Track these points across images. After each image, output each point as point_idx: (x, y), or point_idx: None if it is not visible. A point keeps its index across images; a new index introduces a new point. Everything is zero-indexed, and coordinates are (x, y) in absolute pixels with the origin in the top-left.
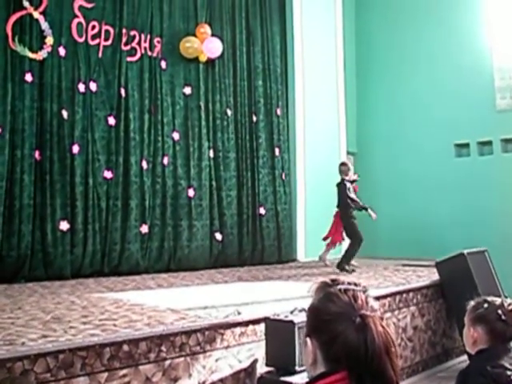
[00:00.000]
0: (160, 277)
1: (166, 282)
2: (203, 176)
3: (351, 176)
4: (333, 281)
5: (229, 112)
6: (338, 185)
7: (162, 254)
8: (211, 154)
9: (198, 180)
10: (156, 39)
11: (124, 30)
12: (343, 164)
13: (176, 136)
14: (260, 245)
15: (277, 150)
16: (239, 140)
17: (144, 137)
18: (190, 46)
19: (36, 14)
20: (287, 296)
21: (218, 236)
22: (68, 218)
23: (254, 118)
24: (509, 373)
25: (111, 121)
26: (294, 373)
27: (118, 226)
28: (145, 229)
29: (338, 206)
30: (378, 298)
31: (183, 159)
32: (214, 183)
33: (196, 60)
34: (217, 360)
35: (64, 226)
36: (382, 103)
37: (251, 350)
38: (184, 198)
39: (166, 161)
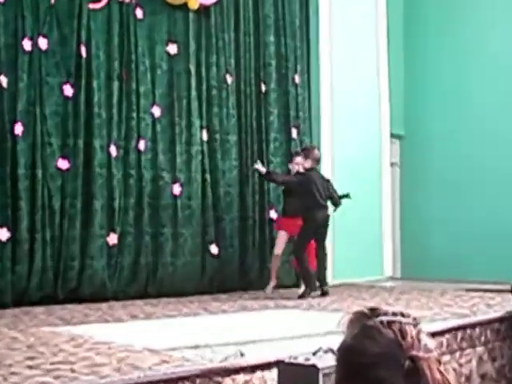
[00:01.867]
0: (134, 304)
1: (142, 311)
2: (193, 167)
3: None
4: (372, 310)
5: (229, 79)
6: (327, 180)
7: (137, 274)
8: (204, 137)
9: (187, 172)
10: None
11: None
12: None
13: (156, 112)
14: (270, 261)
15: (294, 132)
16: (242, 117)
17: (113, 113)
18: None
19: None
20: (308, 331)
21: (214, 249)
22: (8, 225)
23: (263, 88)
24: None
25: (67, 90)
26: None
27: (77, 234)
28: (113, 239)
29: (335, 206)
30: (433, 335)
31: (166, 143)
32: (207, 176)
33: (184, 7)
34: None
35: (3, 234)
36: (438, 73)
37: None
38: (167, 196)
39: (142, 145)
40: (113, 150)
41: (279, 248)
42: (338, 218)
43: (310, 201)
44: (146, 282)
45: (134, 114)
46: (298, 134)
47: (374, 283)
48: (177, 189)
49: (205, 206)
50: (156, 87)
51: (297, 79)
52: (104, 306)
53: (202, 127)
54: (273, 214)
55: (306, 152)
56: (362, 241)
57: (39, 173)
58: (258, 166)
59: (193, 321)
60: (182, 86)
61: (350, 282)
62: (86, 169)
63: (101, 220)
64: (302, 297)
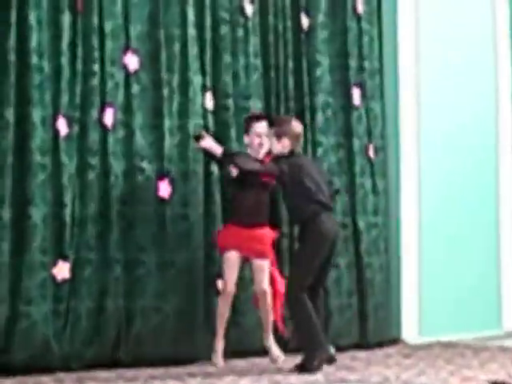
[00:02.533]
0: (95, 378)
1: None
2: (191, 153)
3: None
4: None
5: (248, 8)
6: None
7: (102, 327)
8: (209, 104)
9: (181, 162)
10: None
11: None
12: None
13: (131, 62)
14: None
15: (355, 94)
16: (271, 71)
17: (61, 64)
18: None
19: None
20: None
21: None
22: None
23: (305, 22)
24: None
25: None
26: None
27: (5, 263)
28: (63, 271)
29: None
30: None
31: (147, 115)
32: (214, 168)
33: None
34: None
35: None
36: None
37: None
38: (150, 200)
39: (109, 118)
40: (62, 126)
41: (231, 281)
42: (425, 243)
43: (310, 201)
44: (115, 340)
45: (96, 67)
46: (363, 97)
47: (487, 342)
48: (165, 189)
49: (210, 217)
50: (131, 22)
51: (359, 8)
52: (47, 379)
53: (204, 88)
54: None
55: (278, 127)
56: (465, 277)
57: None
58: (205, 140)
59: None
60: (172, 21)
61: (446, 341)
62: (19, 156)
63: (42, 240)
64: (303, 368)
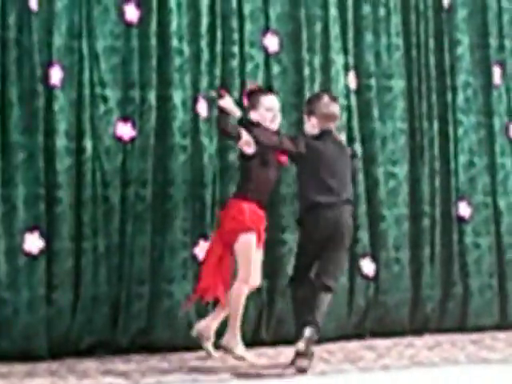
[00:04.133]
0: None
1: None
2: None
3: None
4: None
5: None
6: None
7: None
8: (351, 83)
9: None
10: None
11: None
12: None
13: (272, 43)
14: (460, 287)
15: (496, 73)
16: (412, 50)
17: (200, 48)
18: None
19: None
20: None
21: (368, 267)
22: (42, 230)
23: (446, 1)
24: None
25: (131, 12)
26: None
27: (148, 242)
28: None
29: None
30: None
31: (288, 95)
32: (357, 148)
33: None
34: None
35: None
36: None
37: None
38: (289, 180)
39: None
40: (202, 108)
41: (256, 270)
42: None
43: (319, 191)
44: (256, 320)
45: (235, 49)
46: (503, 75)
47: None
48: None
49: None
50: (270, 3)
51: None
52: (190, 356)
53: (347, 67)
54: (463, 210)
55: (308, 104)
56: None
57: (87, 145)
58: (225, 99)
59: None
60: (313, 1)
61: None
62: (161, 138)
63: (183, 221)
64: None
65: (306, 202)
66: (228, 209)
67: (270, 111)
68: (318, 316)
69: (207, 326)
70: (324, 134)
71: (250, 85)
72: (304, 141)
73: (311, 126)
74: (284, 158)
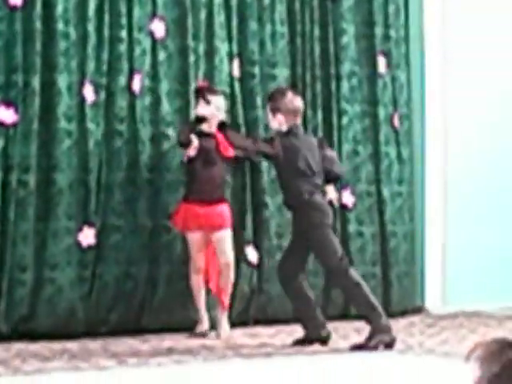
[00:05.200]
0: (121, 342)
1: (133, 353)
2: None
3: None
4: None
5: None
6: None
7: (127, 294)
8: (235, 71)
9: None
10: None
11: None
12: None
13: (158, 29)
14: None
15: (381, 62)
16: (297, 38)
17: (88, 31)
18: None
19: None
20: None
21: (252, 255)
22: None
23: None
24: None
25: None
26: None
27: (30, 229)
28: (88, 237)
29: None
30: None
31: (173, 82)
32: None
33: None
34: None
35: None
36: None
37: None
38: (176, 168)
39: (136, 84)
40: (88, 92)
41: (201, 258)
42: (450, 212)
43: (304, 182)
44: (139, 307)
45: (123, 33)
46: (388, 65)
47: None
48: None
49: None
50: None
51: None
52: (73, 345)
53: (231, 55)
54: (346, 198)
55: (273, 101)
56: (489, 246)
57: None
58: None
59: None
60: None
61: (471, 311)
62: (45, 123)
63: (67, 206)
64: (301, 342)
65: (301, 193)
66: None
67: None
68: None
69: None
70: (294, 130)
71: (199, 83)
72: (279, 141)
73: (278, 122)
74: (229, 153)
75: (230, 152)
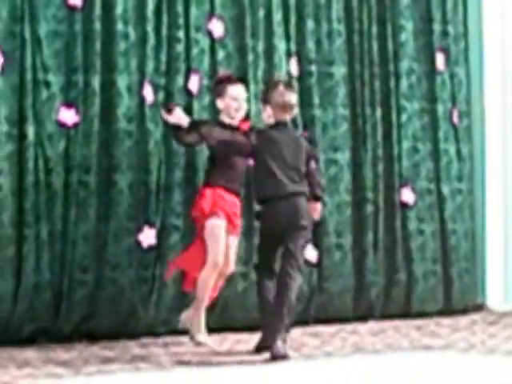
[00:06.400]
0: (181, 343)
1: (195, 353)
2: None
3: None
4: None
5: None
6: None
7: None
8: (293, 69)
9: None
10: None
11: None
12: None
13: (217, 29)
14: (404, 273)
15: (439, 59)
16: (355, 36)
17: (146, 31)
18: None
19: None
20: None
21: (312, 254)
22: None
23: None
24: None
25: None
26: None
27: (92, 228)
28: (149, 237)
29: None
30: None
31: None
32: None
33: None
34: None
35: None
36: None
37: None
38: None
39: (194, 84)
40: (148, 93)
41: (220, 251)
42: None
43: (270, 183)
44: None
45: (181, 34)
46: (447, 61)
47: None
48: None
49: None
50: None
51: None
52: (133, 345)
53: (289, 53)
54: (407, 196)
55: (264, 92)
56: None
57: (30, 130)
58: (174, 113)
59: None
60: None
61: None
62: (105, 123)
63: (128, 207)
64: (260, 348)
65: (258, 195)
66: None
67: (235, 101)
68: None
69: (188, 317)
70: (279, 125)
71: (221, 73)
72: (257, 133)
73: (267, 115)
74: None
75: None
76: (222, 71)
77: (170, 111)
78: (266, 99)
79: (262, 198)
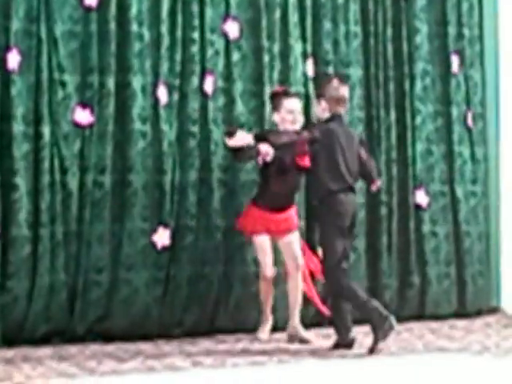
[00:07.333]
0: (195, 344)
1: (208, 354)
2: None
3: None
4: None
5: None
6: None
7: (203, 295)
8: (309, 71)
9: None
10: None
11: None
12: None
13: (232, 30)
14: (418, 275)
15: (454, 62)
16: (370, 38)
17: (161, 32)
18: None
19: None
20: None
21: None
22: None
23: None
24: None
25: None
26: None
27: (107, 229)
28: (163, 238)
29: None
30: None
31: (248, 83)
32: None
33: None
34: None
35: None
36: None
37: None
38: (250, 167)
39: (209, 85)
40: (162, 94)
41: (269, 264)
42: None
43: (334, 177)
44: (214, 307)
45: (196, 35)
46: (462, 64)
47: None
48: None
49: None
50: None
51: None
52: (147, 346)
53: (305, 55)
54: (421, 198)
55: (318, 88)
56: None
57: (45, 130)
58: (236, 136)
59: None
60: None
61: None
62: (120, 124)
63: (143, 208)
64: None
65: (325, 188)
66: None
67: (290, 113)
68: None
69: (291, 326)
70: (335, 118)
71: (276, 87)
72: (318, 126)
73: (321, 109)
74: (305, 162)
75: (306, 161)
76: (277, 85)
77: (231, 135)
78: (320, 93)
79: (327, 191)
